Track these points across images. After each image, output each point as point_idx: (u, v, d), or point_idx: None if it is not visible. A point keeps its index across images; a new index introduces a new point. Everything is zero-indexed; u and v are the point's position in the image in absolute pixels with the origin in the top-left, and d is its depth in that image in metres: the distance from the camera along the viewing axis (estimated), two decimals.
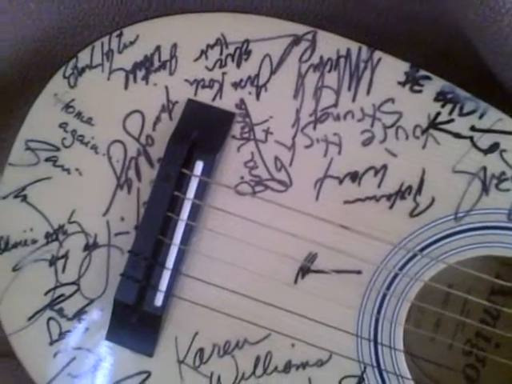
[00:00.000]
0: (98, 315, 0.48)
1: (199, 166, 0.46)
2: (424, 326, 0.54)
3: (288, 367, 0.46)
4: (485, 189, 0.44)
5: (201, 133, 0.47)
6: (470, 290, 0.53)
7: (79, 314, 0.49)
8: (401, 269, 0.45)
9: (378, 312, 0.45)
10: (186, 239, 0.46)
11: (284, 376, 0.46)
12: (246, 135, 0.47)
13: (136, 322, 0.47)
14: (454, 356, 0.54)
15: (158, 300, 0.46)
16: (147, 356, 0.47)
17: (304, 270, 0.46)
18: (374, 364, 0.45)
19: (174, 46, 0.48)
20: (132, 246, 0.47)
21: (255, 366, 0.47)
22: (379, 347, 0.45)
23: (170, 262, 0.46)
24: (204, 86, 0.48)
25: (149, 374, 0.48)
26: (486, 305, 0.53)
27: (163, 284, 0.46)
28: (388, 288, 0.45)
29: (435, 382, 0.54)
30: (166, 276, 0.46)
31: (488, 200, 0.44)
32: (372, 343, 0.45)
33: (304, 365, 0.46)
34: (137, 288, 0.46)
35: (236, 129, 0.47)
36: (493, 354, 0.52)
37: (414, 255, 0.45)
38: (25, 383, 0.55)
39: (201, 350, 0.47)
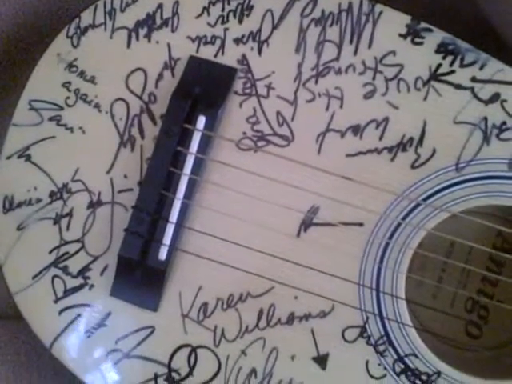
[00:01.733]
0: (103, 272, 0.49)
1: (201, 121, 0.46)
2: (426, 285, 0.54)
3: (291, 319, 0.47)
4: (486, 139, 0.45)
5: (203, 88, 0.47)
6: (472, 249, 0.54)
7: (84, 272, 0.49)
8: (403, 218, 0.45)
9: (381, 261, 0.45)
10: (189, 193, 0.47)
11: (287, 328, 0.47)
12: (248, 91, 0.48)
13: (140, 277, 0.47)
14: (456, 313, 0.54)
15: (162, 254, 0.47)
16: (151, 311, 0.48)
17: (307, 223, 0.46)
18: (376, 312, 0.45)
19: (176, 3, 0.48)
20: (136, 202, 0.47)
21: (258, 319, 0.47)
22: (381, 296, 0.45)
23: (174, 216, 0.47)
24: (206, 43, 0.48)
25: (153, 328, 0.48)
26: (488, 261, 0.54)
27: (167, 238, 0.47)
28: (390, 237, 0.45)
29: (439, 340, 0.54)
30: (169, 230, 0.47)
31: (489, 150, 0.45)
32: (374, 292, 0.45)
33: (307, 316, 0.46)
34: (141, 243, 0.47)
35: (238, 84, 0.48)
36: (495, 310, 0.53)
37: (417, 205, 0.45)
38: (30, 344, 0.56)
39: (205, 304, 0.47)
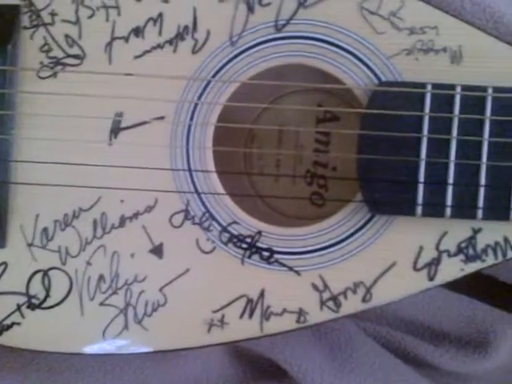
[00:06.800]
0: None
1: None
2: (266, 170, 0.58)
3: (123, 221, 0.49)
4: (250, 9, 0.48)
5: None
6: (298, 125, 0.57)
7: None
8: (199, 98, 0.48)
9: (187, 143, 0.48)
10: (4, 130, 0.49)
11: (121, 230, 0.50)
12: (34, 22, 0.50)
13: None
14: (299, 188, 0.58)
15: None
16: (0, 248, 0.51)
17: (115, 130, 0.49)
18: (192, 190, 0.48)
19: None
20: None
21: (94, 229, 0.50)
22: (194, 174, 0.48)
23: None
24: None
25: (6, 264, 0.51)
26: (316, 134, 0.57)
27: None
28: (191, 119, 0.48)
29: (285, 216, 0.57)
30: None
31: (255, 18, 0.48)
32: (187, 172, 0.48)
33: (136, 215, 0.49)
34: None
35: (25, 19, 0.50)
36: (332, 177, 0.56)
37: (207, 84, 0.48)
38: None
39: (45, 230, 0.50)
